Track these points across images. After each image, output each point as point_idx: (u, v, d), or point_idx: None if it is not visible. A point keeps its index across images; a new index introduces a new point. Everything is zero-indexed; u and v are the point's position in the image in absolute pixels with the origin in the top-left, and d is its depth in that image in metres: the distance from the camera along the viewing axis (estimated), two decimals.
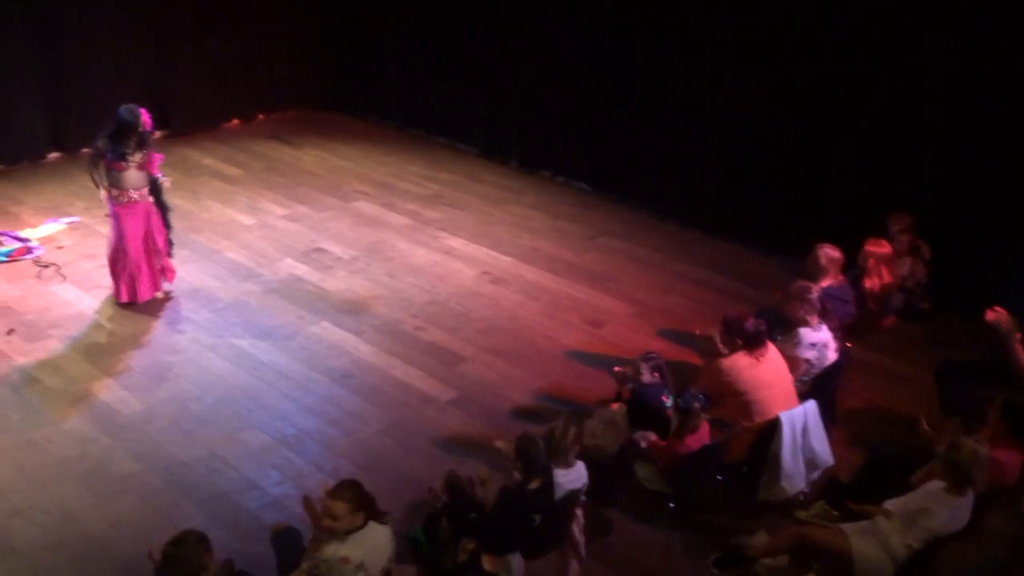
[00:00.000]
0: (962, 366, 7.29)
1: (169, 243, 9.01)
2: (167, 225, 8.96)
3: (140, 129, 8.39)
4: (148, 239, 8.71)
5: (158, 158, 8.64)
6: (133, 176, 8.46)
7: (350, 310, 8.94)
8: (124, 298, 8.81)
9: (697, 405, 6.30)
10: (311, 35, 14.06)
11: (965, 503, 5.56)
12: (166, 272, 9.02)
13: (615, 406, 7.01)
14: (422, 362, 8.19)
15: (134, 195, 8.51)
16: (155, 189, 8.74)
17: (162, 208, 8.89)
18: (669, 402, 6.66)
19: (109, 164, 8.41)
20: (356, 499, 5.05)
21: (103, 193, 8.54)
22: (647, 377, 6.80)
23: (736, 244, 10.34)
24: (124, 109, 8.38)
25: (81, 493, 6.57)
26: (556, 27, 11.52)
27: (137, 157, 8.42)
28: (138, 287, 8.78)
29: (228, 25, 13.19)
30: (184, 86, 12.92)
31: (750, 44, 9.89)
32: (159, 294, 8.98)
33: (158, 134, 8.56)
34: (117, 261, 8.73)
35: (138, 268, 8.71)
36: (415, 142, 13.29)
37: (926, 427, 6.74)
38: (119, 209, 8.53)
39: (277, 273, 9.61)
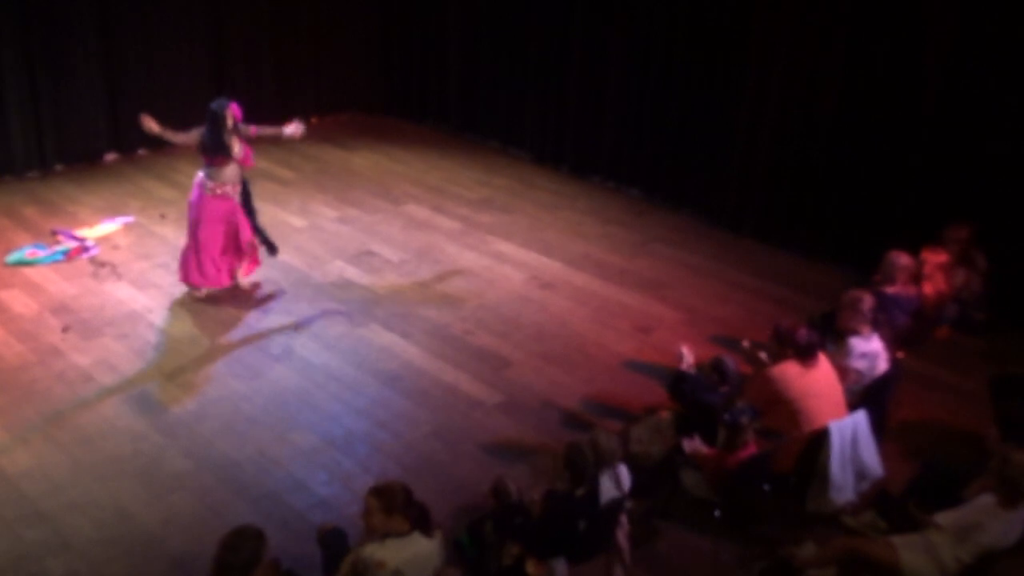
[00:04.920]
0: (1019, 380, 7.17)
1: (255, 244, 9.12)
2: (256, 229, 9.09)
3: (231, 122, 8.52)
4: (229, 235, 8.85)
5: (250, 152, 8.75)
6: (230, 171, 8.66)
7: (399, 313, 8.99)
8: (193, 280, 8.95)
9: (745, 420, 6.24)
10: (366, 39, 14.24)
11: (1018, 518, 5.48)
12: (245, 267, 9.18)
13: (663, 413, 6.99)
14: (470, 366, 8.21)
15: (228, 190, 8.72)
16: (245, 190, 8.91)
17: (250, 211, 9.00)
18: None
19: (211, 159, 8.57)
20: (389, 499, 5.04)
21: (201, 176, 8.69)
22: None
23: (790, 253, 10.27)
24: (215, 102, 8.59)
25: (135, 489, 6.66)
26: (609, 34, 11.51)
27: (236, 151, 8.57)
28: (204, 272, 8.89)
29: (284, 29, 13.43)
30: (240, 89, 13.04)
31: (808, 50, 9.82)
32: (243, 281, 9.18)
33: (253, 129, 8.63)
34: (188, 245, 8.89)
35: (206, 255, 8.82)
36: (468, 147, 13.38)
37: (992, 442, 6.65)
38: (207, 198, 8.68)
39: (327, 275, 9.69)
